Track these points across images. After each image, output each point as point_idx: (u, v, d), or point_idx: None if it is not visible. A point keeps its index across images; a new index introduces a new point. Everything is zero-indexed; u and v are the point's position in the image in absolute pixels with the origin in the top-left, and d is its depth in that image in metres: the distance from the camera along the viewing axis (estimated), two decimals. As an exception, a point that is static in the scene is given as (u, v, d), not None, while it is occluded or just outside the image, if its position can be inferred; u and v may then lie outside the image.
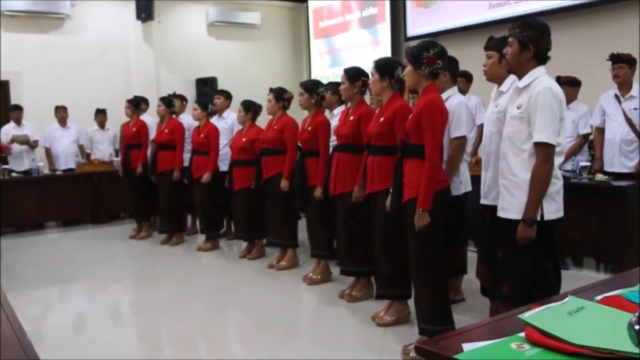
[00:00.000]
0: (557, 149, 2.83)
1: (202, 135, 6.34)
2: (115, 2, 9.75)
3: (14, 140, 7.88)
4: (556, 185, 2.88)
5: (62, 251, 6.90)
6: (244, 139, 5.85)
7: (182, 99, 7.56)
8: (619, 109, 5.20)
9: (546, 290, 2.79)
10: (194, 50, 10.49)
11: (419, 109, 3.30)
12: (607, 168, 5.28)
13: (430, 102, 3.27)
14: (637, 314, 1.08)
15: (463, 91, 5.72)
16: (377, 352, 3.55)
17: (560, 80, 5.45)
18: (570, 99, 5.52)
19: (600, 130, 5.42)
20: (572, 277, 4.50)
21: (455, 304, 4.12)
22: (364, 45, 9.99)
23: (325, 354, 3.59)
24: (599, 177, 5.01)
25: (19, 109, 8.18)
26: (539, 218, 2.83)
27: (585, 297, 1.56)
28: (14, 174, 7.85)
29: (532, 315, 1.41)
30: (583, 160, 5.32)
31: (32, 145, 8.16)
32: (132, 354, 3.74)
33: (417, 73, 3.36)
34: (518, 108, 2.89)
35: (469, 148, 4.37)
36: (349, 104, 4.53)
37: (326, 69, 10.72)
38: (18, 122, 8.15)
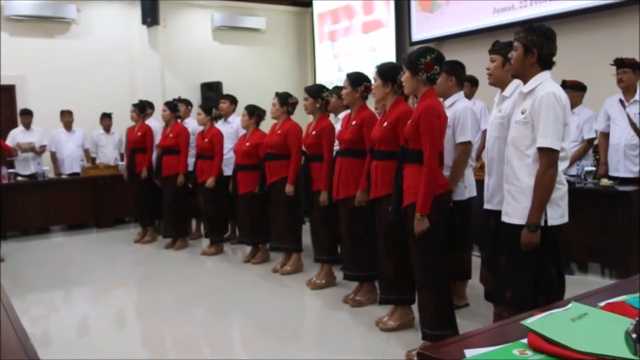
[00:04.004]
0: (562, 154, 2.82)
1: (206, 140, 6.35)
2: (121, 7, 9.80)
3: (18, 147, 7.89)
4: (560, 191, 2.87)
5: (66, 255, 6.93)
6: (247, 144, 5.85)
7: (187, 103, 7.58)
8: (624, 113, 5.18)
9: (550, 295, 2.78)
10: (199, 54, 10.51)
11: (416, 115, 3.32)
12: (612, 173, 5.26)
13: (428, 108, 3.28)
14: (634, 322, 1.08)
15: (468, 96, 5.72)
16: (380, 357, 3.55)
17: (565, 84, 5.44)
18: (575, 103, 5.50)
19: (605, 135, 5.40)
20: (577, 283, 4.48)
21: (460, 309, 4.11)
22: (369, 50, 9.99)
23: (329, 358, 3.59)
24: (604, 182, 4.99)
25: (28, 113, 8.20)
26: (542, 223, 2.82)
27: (589, 303, 1.55)
28: (19, 178, 7.87)
29: (535, 321, 1.41)
30: (588, 165, 5.30)
31: (39, 151, 8.19)
32: (136, 358, 3.75)
33: (414, 79, 3.38)
34: (522, 113, 2.88)
35: (473, 153, 4.36)
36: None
37: (331, 74, 10.72)
38: (27, 126, 8.17)
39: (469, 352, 1.32)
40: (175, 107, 6.97)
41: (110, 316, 4.82)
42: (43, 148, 8.26)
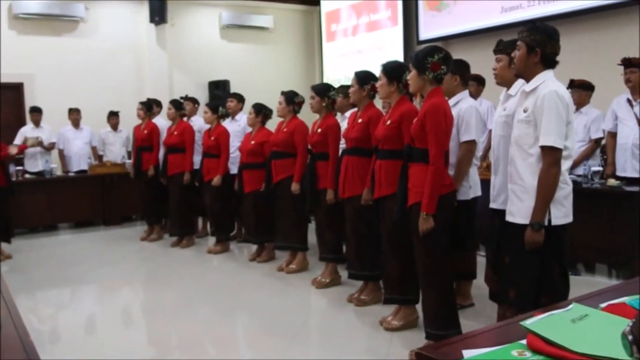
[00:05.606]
0: (565, 153, 2.80)
1: (212, 138, 6.35)
2: (129, 5, 9.83)
3: (25, 140, 7.94)
4: (564, 190, 2.85)
5: (73, 252, 6.95)
6: (253, 142, 5.85)
7: (194, 101, 7.58)
8: (631, 113, 5.15)
9: (553, 295, 2.76)
10: (207, 53, 10.53)
11: (422, 113, 3.30)
12: (619, 173, 5.23)
13: (434, 106, 3.27)
14: (630, 323, 1.06)
15: (474, 95, 5.70)
16: (384, 356, 3.54)
17: (573, 83, 5.41)
18: (582, 102, 5.48)
19: (613, 135, 5.37)
20: (583, 283, 4.46)
21: (464, 309, 4.10)
22: (376, 49, 9.97)
23: (333, 357, 3.59)
24: (611, 182, 4.96)
25: (37, 110, 8.25)
26: (546, 223, 2.80)
27: (591, 304, 1.54)
28: (27, 175, 7.92)
29: (535, 322, 1.40)
30: (595, 165, 5.26)
31: (48, 147, 8.23)
32: (142, 355, 3.76)
33: (421, 78, 3.37)
34: (524, 112, 2.87)
35: (479, 152, 4.34)
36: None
37: (338, 72, 10.71)
38: (37, 123, 8.22)
39: (467, 353, 1.32)
40: (180, 105, 6.98)
41: (116, 314, 4.84)
42: (52, 145, 8.30)
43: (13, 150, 7.22)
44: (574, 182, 3.80)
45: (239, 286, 5.31)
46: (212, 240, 6.87)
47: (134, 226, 8.38)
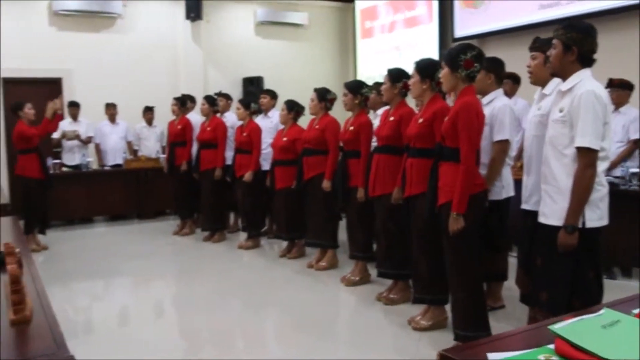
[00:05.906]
0: (601, 154, 2.73)
1: (245, 134, 6.38)
2: (165, 2, 9.93)
3: (63, 135, 8.10)
4: (600, 192, 2.78)
5: (108, 245, 7.07)
6: (285, 139, 5.87)
7: (227, 97, 7.63)
8: (672, 113, 5.01)
9: (586, 299, 2.69)
10: (242, 49, 10.59)
11: (454, 112, 3.26)
12: (658, 175, 5.08)
13: (466, 105, 3.22)
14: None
15: (510, 94, 5.60)
16: (412, 356, 3.52)
17: (612, 83, 5.29)
18: (621, 102, 5.35)
19: (653, 136, 5.23)
20: (619, 287, 4.36)
21: (494, 311, 4.05)
22: (411, 46, 9.89)
23: (360, 355, 3.58)
24: (650, 184, 4.83)
25: (75, 105, 8.42)
26: (580, 225, 2.74)
27: (624, 310, 1.50)
28: (64, 169, 8.08)
29: (564, 326, 1.37)
30: (633, 167, 5.12)
31: (86, 141, 8.39)
32: (172, 349, 3.81)
33: (453, 76, 3.32)
34: (560, 111, 2.80)
35: (514, 152, 4.26)
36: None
37: (373, 69, 10.66)
38: (75, 117, 8.39)
39: (492, 356, 1.29)
40: (214, 101, 7.04)
41: (147, 306, 4.92)
42: (89, 139, 8.45)
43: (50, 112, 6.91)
44: (611, 184, 3.70)
45: (269, 282, 5.34)
46: (243, 235, 6.91)
47: (167, 220, 8.48)
